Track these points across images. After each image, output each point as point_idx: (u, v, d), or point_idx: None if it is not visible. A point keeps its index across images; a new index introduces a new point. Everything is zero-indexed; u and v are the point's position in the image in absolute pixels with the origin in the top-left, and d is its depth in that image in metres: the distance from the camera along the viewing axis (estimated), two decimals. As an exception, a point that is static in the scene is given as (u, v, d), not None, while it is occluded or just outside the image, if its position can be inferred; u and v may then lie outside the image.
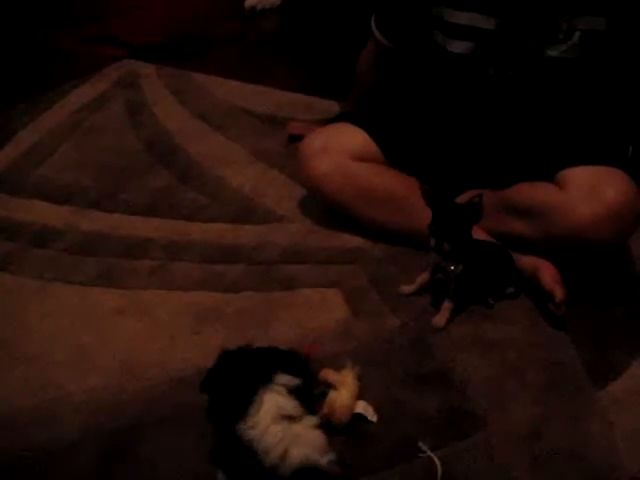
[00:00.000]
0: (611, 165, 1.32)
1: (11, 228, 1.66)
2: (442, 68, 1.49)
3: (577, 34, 1.33)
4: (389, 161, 1.54)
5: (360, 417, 1.15)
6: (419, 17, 1.48)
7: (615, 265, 1.48)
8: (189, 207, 1.71)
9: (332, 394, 1.14)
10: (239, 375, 1.05)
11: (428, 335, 1.33)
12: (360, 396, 1.17)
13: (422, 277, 1.41)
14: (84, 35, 2.68)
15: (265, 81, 2.28)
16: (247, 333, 1.32)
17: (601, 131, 1.46)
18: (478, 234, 1.36)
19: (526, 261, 1.40)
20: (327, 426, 1.09)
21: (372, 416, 1.16)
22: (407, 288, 1.42)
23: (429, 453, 1.11)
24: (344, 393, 1.14)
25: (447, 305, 1.35)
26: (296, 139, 1.80)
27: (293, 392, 1.02)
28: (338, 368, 1.18)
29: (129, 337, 1.36)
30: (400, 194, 1.47)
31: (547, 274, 1.35)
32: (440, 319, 1.34)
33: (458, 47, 1.43)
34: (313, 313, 1.39)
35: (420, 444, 1.12)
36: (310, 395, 1.08)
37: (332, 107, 2.02)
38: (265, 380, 1.02)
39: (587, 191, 1.29)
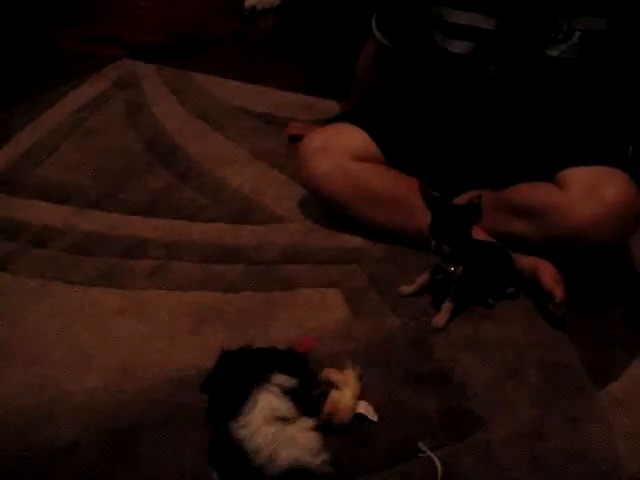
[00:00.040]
0: (611, 165, 1.32)
1: (11, 228, 1.66)
2: (442, 68, 1.49)
3: (577, 34, 1.33)
4: (389, 161, 1.54)
5: (360, 417, 1.16)
6: (419, 17, 1.48)
7: (615, 265, 1.48)
8: (189, 207, 1.71)
9: (335, 394, 1.14)
10: (238, 375, 1.05)
11: (428, 335, 1.33)
12: (360, 396, 1.17)
13: (422, 277, 1.41)
14: (84, 35, 2.68)
15: (265, 81, 2.28)
16: (247, 333, 1.32)
17: (601, 131, 1.46)
18: (478, 234, 1.36)
19: (526, 261, 1.40)
20: (328, 426, 1.09)
21: (373, 416, 1.16)
22: (407, 288, 1.42)
23: (429, 453, 1.11)
24: (347, 393, 1.14)
25: (447, 305, 1.35)
26: (296, 139, 1.80)
27: (289, 393, 1.02)
28: (338, 368, 1.18)
29: (129, 337, 1.35)
30: (400, 194, 1.47)
31: (547, 274, 1.35)
32: (440, 319, 1.34)
33: (458, 47, 1.43)
34: (313, 313, 1.39)
35: (420, 444, 1.12)
36: (307, 396, 1.07)
37: (332, 107, 2.02)
38: (261, 380, 1.02)
39: (587, 191, 1.29)
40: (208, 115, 2.10)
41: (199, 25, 2.75)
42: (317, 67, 2.34)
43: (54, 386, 1.26)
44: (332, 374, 1.16)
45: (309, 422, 1.02)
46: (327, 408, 1.13)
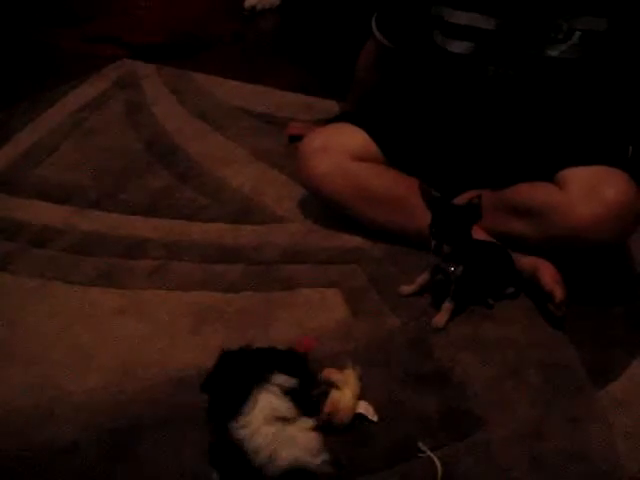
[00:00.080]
0: (611, 165, 1.32)
1: (11, 228, 1.66)
2: (442, 68, 1.49)
3: (577, 34, 1.33)
4: (389, 161, 1.54)
5: (360, 417, 1.16)
6: (419, 17, 1.48)
7: (615, 265, 1.48)
8: (189, 207, 1.71)
9: (335, 394, 1.14)
10: (238, 375, 1.05)
11: (428, 335, 1.33)
12: (360, 396, 1.17)
13: (422, 277, 1.41)
14: (84, 35, 2.68)
15: (265, 81, 2.28)
16: (247, 333, 1.32)
17: (601, 131, 1.46)
18: (478, 234, 1.36)
19: (526, 261, 1.40)
20: (328, 426, 1.09)
21: (373, 416, 1.16)
22: (407, 288, 1.42)
23: (429, 453, 1.11)
24: (347, 393, 1.14)
25: (447, 305, 1.35)
26: (296, 139, 1.80)
27: (289, 393, 1.02)
28: (339, 368, 1.18)
29: (129, 337, 1.35)
30: (400, 194, 1.47)
31: (547, 274, 1.35)
32: (440, 319, 1.34)
33: (458, 47, 1.43)
34: (313, 313, 1.39)
35: (420, 444, 1.12)
36: (307, 396, 1.07)
37: (332, 107, 2.02)
38: (261, 380, 1.02)
39: (587, 191, 1.29)
40: (208, 115, 2.10)
41: (199, 25, 2.75)
42: (317, 67, 2.34)
43: (54, 386, 1.26)
44: (332, 374, 1.16)
45: (309, 422, 1.01)
46: (327, 408, 1.12)
